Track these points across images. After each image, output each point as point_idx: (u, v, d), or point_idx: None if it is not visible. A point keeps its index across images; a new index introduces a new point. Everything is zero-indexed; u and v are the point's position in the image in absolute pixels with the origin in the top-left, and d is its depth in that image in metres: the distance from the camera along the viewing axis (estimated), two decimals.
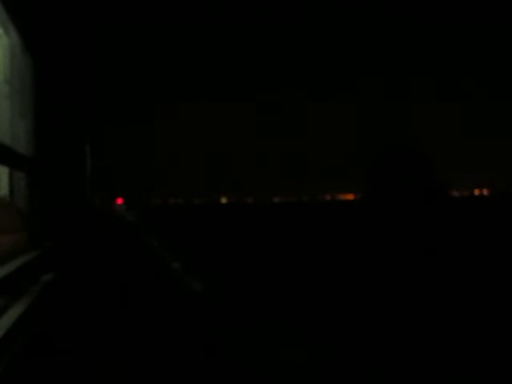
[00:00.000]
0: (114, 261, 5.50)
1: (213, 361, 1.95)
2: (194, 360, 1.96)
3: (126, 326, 2.47)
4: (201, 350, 2.08)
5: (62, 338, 2.21)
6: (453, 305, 3.08)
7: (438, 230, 10.14)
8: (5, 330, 1.52)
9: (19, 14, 2.46)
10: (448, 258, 5.33)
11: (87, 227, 6.47)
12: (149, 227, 13.62)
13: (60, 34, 3.74)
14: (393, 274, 4.33)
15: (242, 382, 1.76)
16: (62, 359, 1.90)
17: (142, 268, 4.79)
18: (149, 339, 2.22)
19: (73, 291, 3.42)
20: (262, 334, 2.37)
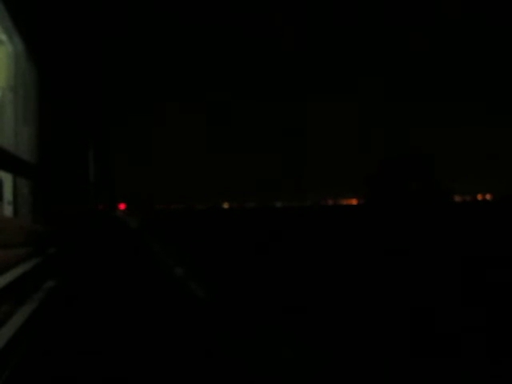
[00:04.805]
0: (115, 266, 5.49)
1: (213, 366, 1.92)
2: (193, 366, 1.94)
3: (126, 326, 2.45)
4: (201, 356, 2.05)
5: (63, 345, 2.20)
6: (453, 305, 3.06)
7: (443, 233, 10.09)
8: (6, 338, 1.51)
9: (23, 20, 2.47)
10: (450, 259, 5.30)
11: (90, 232, 6.46)
12: (151, 232, 13.61)
13: (64, 41, 3.76)
14: (395, 275, 4.30)
15: None
16: (63, 369, 1.89)
17: (143, 273, 4.78)
18: (148, 343, 2.20)
19: (75, 299, 3.41)
20: (262, 339, 2.35)
